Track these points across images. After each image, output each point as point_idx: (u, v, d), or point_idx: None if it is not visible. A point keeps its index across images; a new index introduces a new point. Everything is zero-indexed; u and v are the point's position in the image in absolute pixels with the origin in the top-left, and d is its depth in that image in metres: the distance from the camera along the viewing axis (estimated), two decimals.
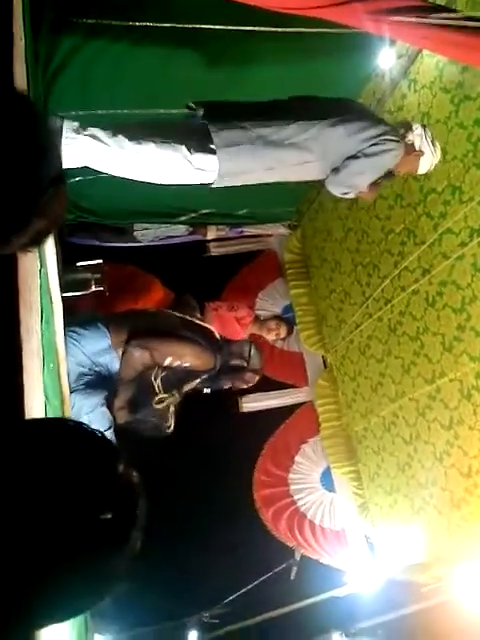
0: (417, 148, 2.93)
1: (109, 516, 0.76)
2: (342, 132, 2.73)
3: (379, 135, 2.77)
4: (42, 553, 0.72)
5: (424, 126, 3.04)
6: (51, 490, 0.74)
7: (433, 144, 2.97)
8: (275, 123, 2.65)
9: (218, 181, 2.65)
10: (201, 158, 2.55)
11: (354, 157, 2.76)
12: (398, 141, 2.84)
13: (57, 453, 0.77)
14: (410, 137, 2.92)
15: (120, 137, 2.44)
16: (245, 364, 3.35)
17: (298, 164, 2.75)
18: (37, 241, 0.87)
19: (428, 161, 3.01)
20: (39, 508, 0.72)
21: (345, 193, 2.95)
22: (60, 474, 0.75)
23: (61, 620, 0.79)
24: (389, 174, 3.04)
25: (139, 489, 0.82)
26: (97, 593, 0.80)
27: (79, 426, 0.85)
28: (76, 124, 2.36)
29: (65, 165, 2.30)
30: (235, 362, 3.32)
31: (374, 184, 3.01)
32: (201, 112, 2.67)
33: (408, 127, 2.96)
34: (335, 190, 2.93)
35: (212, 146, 2.54)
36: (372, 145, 2.75)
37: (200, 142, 2.55)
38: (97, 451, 0.81)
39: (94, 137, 2.39)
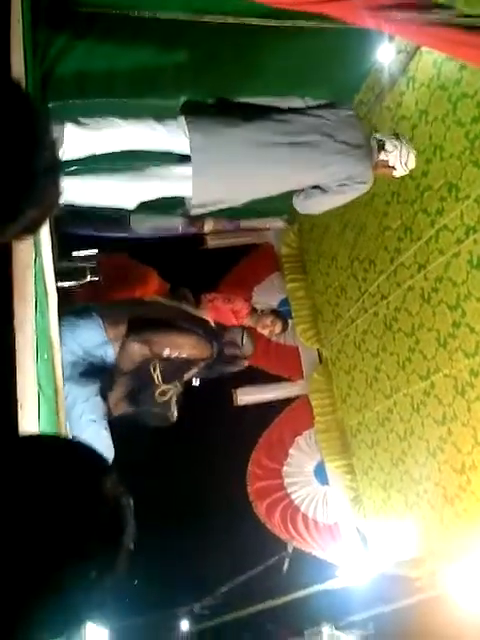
0: (391, 165, 3.11)
1: (95, 542, 0.75)
2: (322, 173, 2.93)
3: (350, 177, 2.96)
4: (24, 577, 0.71)
5: (401, 138, 3.16)
6: (35, 512, 0.73)
7: (406, 164, 3.13)
8: (262, 170, 2.84)
9: (194, 211, 2.92)
10: (182, 186, 2.80)
11: (322, 190, 2.99)
12: (367, 181, 3.04)
13: (44, 476, 0.76)
14: (383, 156, 3.08)
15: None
16: (238, 352, 3.38)
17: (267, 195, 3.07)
18: (31, 229, 0.87)
19: (400, 173, 3.19)
20: (22, 530, 0.71)
21: (308, 213, 3.30)
22: (45, 496, 0.74)
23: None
24: None
25: (128, 513, 0.81)
26: (82, 615, 0.79)
27: (70, 444, 0.84)
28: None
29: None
30: (230, 351, 3.35)
31: None
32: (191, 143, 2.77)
33: (382, 147, 3.09)
34: (300, 210, 3.21)
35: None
36: (343, 185, 2.97)
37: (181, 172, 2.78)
38: (86, 475, 0.79)
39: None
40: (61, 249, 3.23)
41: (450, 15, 2.44)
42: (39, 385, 1.60)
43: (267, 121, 2.88)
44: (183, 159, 2.81)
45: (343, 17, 2.57)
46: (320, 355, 5.54)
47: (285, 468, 5.30)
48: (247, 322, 4.53)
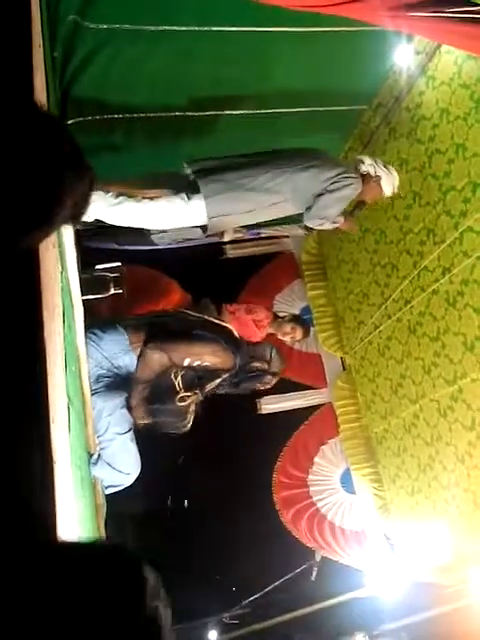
0: (374, 175, 3.49)
1: None
2: (307, 176, 3.31)
3: (338, 174, 3.36)
4: None
5: (374, 159, 3.57)
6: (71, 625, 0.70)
7: (386, 168, 3.51)
8: (252, 173, 3.25)
9: (210, 226, 3.29)
10: (195, 204, 3.18)
11: (320, 195, 3.36)
12: (355, 177, 3.42)
13: (83, 584, 0.73)
14: (364, 168, 3.48)
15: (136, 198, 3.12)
16: (266, 367, 3.32)
17: (273, 205, 3.36)
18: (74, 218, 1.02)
19: (389, 183, 3.54)
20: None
21: (320, 224, 3.52)
22: (84, 610, 0.71)
23: None
24: (360, 204, 3.70)
25: (164, 626, 0.77)
26: None
27: (113, 552, 0.80)
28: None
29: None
30: (257, 365, 3.29)
31: (349, 215, 3.69)
32: (191, 169, 3.28)
33: (360, 161, 3.51)
34: (311, 223, 3.53)
35: (200, 195, 3.18)
36: (333, 183, 3.34)
37: (193, 192, 3.20)
38: (123, 586, 0.76)
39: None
40: (84, 262, 3.24)
41: (471, 11, 2.41)
42: (68, 398, 1.60)
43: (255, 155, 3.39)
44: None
45: (362, 18, 2.55)
46: (343, 362, 5.49)
47: (310, 477, 5.26)
48: (268, 330, 4.51)
